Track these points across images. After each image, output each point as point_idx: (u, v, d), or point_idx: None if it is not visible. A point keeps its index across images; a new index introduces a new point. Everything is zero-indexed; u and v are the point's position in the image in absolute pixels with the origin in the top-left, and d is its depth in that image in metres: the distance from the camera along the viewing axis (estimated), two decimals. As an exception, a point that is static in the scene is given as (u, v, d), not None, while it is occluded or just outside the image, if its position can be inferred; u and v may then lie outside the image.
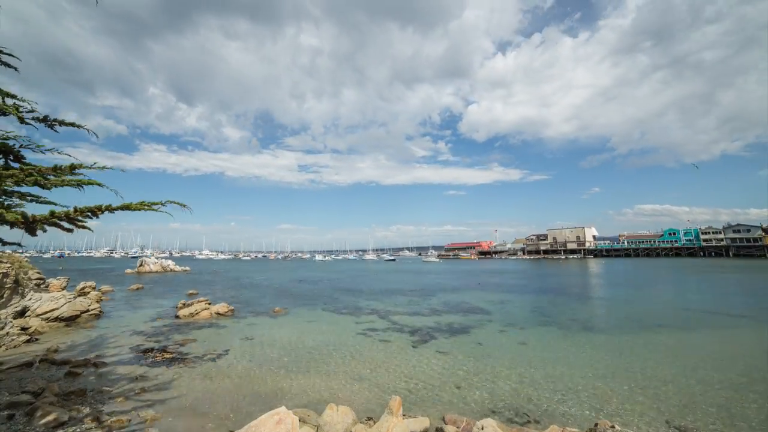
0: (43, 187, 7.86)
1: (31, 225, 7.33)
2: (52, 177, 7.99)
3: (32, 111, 8.41)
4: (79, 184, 8.06)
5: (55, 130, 9.00)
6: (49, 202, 8.78)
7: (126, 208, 7.66)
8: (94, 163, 8.43)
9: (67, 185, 8.01)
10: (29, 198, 8.57)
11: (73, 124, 8.92)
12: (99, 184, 8.20)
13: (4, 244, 8.65)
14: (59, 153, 8.98)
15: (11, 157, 8.78)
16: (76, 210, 7.54)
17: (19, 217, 7.01)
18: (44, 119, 8.53)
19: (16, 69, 8.55)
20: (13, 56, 8.30)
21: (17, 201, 8.35)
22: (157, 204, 7.82)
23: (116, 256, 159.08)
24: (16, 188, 8.12)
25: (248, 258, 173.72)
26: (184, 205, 8.28)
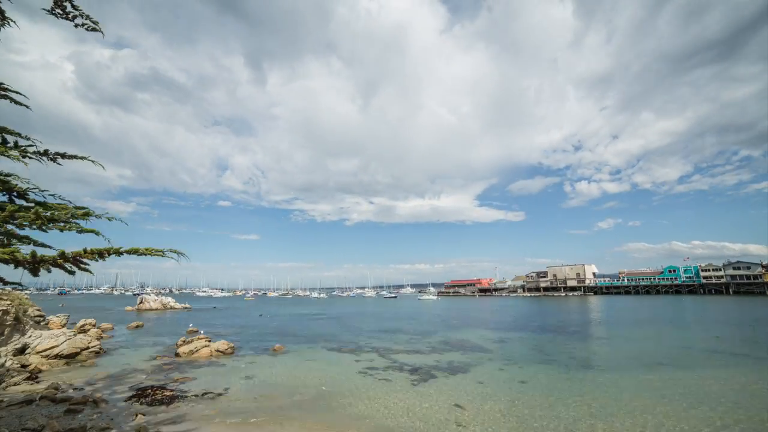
0: (44, 229, 7.96)
1: (36, 265, 7.38)
2: (61, 223, 8.13)
3: (31, 145, 8.59)
4: (80, 231, 8.34)
5: (59, 163, 9.14)
6: (44, 245, 8.81)
7: (134, 252, 8.01)
8: (106, 213, 8.92)
9: (69, 230, 8.22)
10: (27, 241, 8.64)
11: (75, 156, 9.17)
12: (96, 233, 8.53)
13: (6, 283, 8.69)
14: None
15: (14, 194, 8.96)
16: (85, 251, 7.65)
17: (28, 257, 7.14)
18: (45, 153, 8.76)
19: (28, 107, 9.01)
20: (22, 95, 8.86)
21: (15, 242, 8.42)
22: (160, 251, 8.26)
23: (117, 293, 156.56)
24: (17, 230, 8.15)
25: (249, 295, 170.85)
26: (182, 253, 8.78)
